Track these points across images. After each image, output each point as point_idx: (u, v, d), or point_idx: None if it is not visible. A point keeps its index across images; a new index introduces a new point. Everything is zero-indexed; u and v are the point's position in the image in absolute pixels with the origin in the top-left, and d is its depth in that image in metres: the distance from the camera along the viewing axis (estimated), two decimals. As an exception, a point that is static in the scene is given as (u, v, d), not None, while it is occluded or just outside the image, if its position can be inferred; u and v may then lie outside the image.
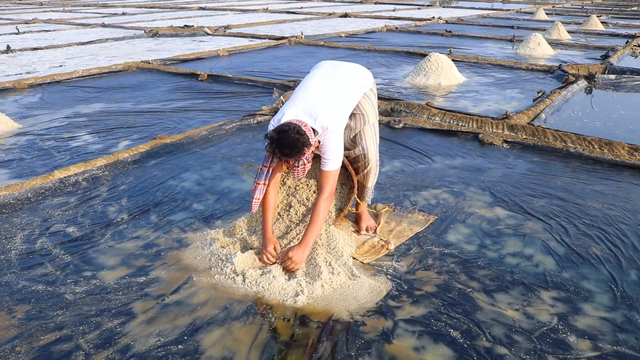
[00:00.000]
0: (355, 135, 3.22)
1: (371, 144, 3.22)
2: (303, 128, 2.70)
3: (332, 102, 2.92)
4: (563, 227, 3.50)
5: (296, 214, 3.28)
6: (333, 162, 2.90)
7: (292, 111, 2.82)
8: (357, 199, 3.34)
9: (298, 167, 2.85)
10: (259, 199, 2.97)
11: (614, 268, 3.04)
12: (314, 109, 2.82)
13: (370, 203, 3.52)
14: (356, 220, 3.46)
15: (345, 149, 3.24)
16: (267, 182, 2.96)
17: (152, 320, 2.55)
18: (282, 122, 2.76)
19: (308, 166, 2.88)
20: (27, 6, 25.40)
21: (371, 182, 3.34)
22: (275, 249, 2.97)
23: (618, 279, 2.92)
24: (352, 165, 3.27)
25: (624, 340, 2.44)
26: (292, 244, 3.09)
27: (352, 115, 3.18)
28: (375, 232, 3.39)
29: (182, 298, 2.72)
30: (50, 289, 2.78)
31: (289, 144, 2.67)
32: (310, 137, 2.72)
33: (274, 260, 2.94)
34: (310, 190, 3.32)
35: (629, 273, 2.99)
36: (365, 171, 3.26)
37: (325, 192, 2.92)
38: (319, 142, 2.88)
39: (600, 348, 2.39)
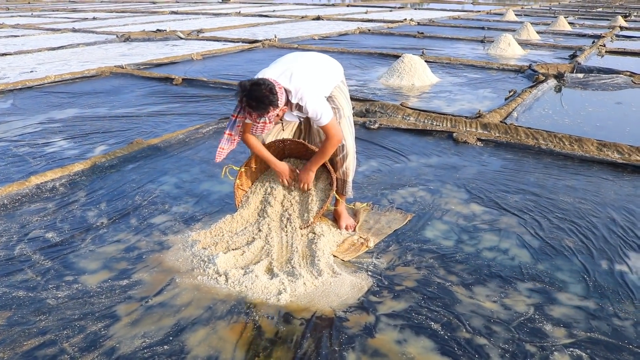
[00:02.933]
0: None
1: (348, 135, 3.29)
2: (276, 88, 2.81)
3: (309, 70, 3.07)
4: (537, 221, 3.61)
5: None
6: (324, 116, 2.98)
7: (270, 72, 2.97)
8: (337, 196, 3.39)
9: (258, 123, 2.90)
10: (222, 149, 3.09)
11: (586, 259, 3.14)
12: (291, 72, 2.96)
13: (351, 197, 3.58)
14: (335, 218, 3.51)
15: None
16: (232, 133, 3.06)
17: (136, 322, 2.55)
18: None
19: (269, 126, 2.93)
20: (-7, 11, 24.90)
21: (351, 176, 3.40)
22: (289, 172, 3.31)
23: (590, 269, 3.03)
24: (331, 161, 3.32)
25: (597, 326, 2.54)
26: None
27: None
28: (354, 230, 3.44)
29: (166, 299, 2.73)
30: (31, 295, 2.76)
31: (257, 97, 2.76)
32: (279, 99, 2.82)
33: (291, 180, 3.33)
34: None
35: (600, 263, 3.10)
36: (344, 165, 3.32)
37: (332, 139, 3.06)
38: (293, 104, 2.98)
39: (575, 335, 2.48)
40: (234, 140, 3.13)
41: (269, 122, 2.90)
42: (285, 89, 2.90)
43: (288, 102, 2.97)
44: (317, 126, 3.23)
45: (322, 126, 3.03)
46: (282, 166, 3.31)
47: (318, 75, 3.13)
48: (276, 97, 2.79)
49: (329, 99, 3.24)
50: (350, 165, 3.34)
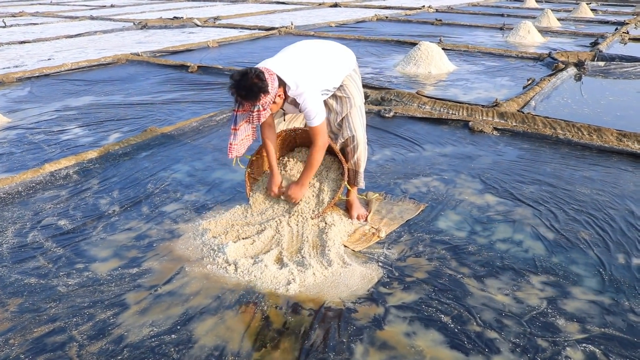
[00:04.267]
0: (342, 119, 3.25)
1: (359, 125, 3.26)
2: (266, 74, 2.75)
3: (310, 63, 3.01)
4: (552, 212, 3.54)
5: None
6: (316, 117, 2.95)
7: (271, 62, 2.93)
8: (348, 186, 3.35)
9: (253, 112, 2.85)
10: (231, 144, 3.04)
11: (603, 252, 3.07)
12: (291, 65, 2.91)
13: (363, 188, 3.54)
14: (347, 208, 3.48)
15: (333, 134, 3.28)
16: (237, 127, 3.01)
17: (145, 310, 2.56)
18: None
19: (264, 113, 2.85)
20: (13, -1, 25.12)
21: (362, 167, 3.37)
22: (280, 185, 3.29)
23: (606, 263, 2.96)
24: (342, 151, 3.28)
25: (612, 322, 2.48)
26: None
27: (338, 99, 3.23)
28: (366, 220, 3.41)
29: (175, 288, 2.73)
30: (42, 282, 2.78)
31: (245, 86, 2.71)
32: (270, 84, 2.76)
33: (277, 193, 3.29)
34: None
35: (617, 257, 3.03)
36: (355, 156, 3.29)
37: (318, 143, 3.04)
38: (285, 97, 2.93)
39: (589, 330, 2.42)
40: (247, 135, 3.08)
41: (264, 110, 2.83)
42: (280, 78, 2.84)
43: (285, 94, 2.92)
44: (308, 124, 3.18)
45: (311, 127, 2.99)
46: (276, 179, 3.28)
47: (324, 68, 3.07)
48: (265, 84, 2.73)
49: (340, 87, 3.19)
50: (361, 155, 3.30)
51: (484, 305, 2.60)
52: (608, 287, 2.75)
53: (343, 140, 3.27)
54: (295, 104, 3.02)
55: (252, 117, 2.87)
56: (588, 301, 2.64)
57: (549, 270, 2.89)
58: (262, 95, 2.75)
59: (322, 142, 3.05)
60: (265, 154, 3.45)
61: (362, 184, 3.44)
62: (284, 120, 3.45)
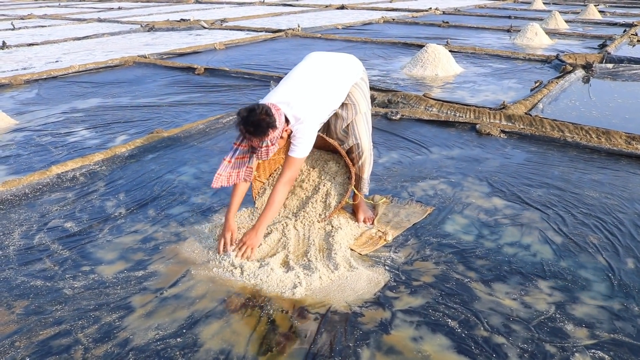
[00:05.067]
0: (347, 126, 3.24)
1: (364, 133, 3.24)
2: (273, 110, 2.75)
3: (312, 94, 2.97)
4: (560, 216, 3.51)
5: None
6: (300, 150, 2.92)
7: (271, 98, 2.91)
8: (355, 190, 3.34)
9: (261, 147, 2.83)
10: (220, 175, 2.96)
11: (611, 257, 3.04)
12: (292, 99, 2.89)
13: (367, 194, 3.53)
14: (354, 211, 3.46)
15: (339, 140, 3.26)
16: (231, 160, 2.95)
17: (150, 313, 2.55)
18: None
19: (272, 149, 2.84)
20: (22, 2, 25.29)
21: (367, 173, 3.35)
22: (232, 236, 3.03)
23: (615, 268, 2.93)
24: (348, 156, 3.27)
25: (621, 328, 2.45)
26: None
27: (344, 105, 3.21)
28: (372, 223, 3.39)
29: (181, 291, 2.72)
30: (48, 284, 2.78)
31: (254, 122, 2.70)
32: (277, 119, 2.76)
33: (227, 248, 2.99)
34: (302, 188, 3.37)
35: (626, 261, 3.00)
36: (360, 162, 3.28)
37: (285, 177, 2.96)
38: (291, 131, 2.91)
39: (598, 336, 2.40)
40: (238, 172, 3.00)
41: (272, 145, 2.82)
42: (284, 115, 2.84)
43: (289, 129, 2.92)
44: (341, 127, 3.19)
45: (289, 156, 2.95)
46: (226, 228, 3.05)
47: (329, 91, 3.05)
48: (273, 119, 2.73)
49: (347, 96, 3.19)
50: (365, 162, 3.30)
51: (492, 309, 2.58)
52: (617, 292, 2.72)
53: (348, 147, 3.26)
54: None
55: (261, 153, 2.86)
56: (597, 306, 2.61)
57: (557, 275, 2.86)
58: (271, 131, 2.75)
59: (289, 176, 2.98)
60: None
61: (365, 190, 3.42)
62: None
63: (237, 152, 2.96)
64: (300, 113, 2.88)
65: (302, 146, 2.92)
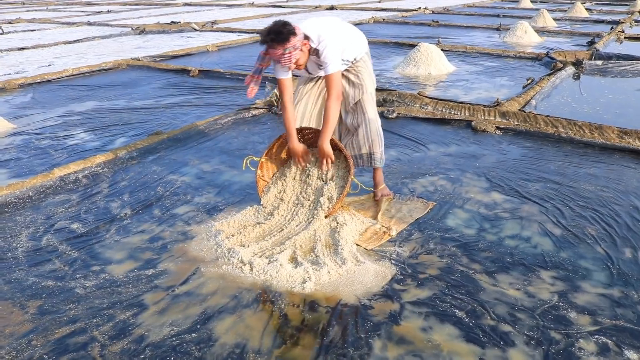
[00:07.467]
0: (355, 104, 3.51)
1: (371, 108, 3.53)
2: (293, 24, 3.07)
3: (331, 30, 3.27)
4: (558, 209, 3.59)
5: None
6: (332, 65, 3.19)
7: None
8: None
9: (285, 55, 3.07)
10: (253, 88, 3.33)
11: (609, 247, 3.13)
12: (311, 24, 3.24)
13: (382, 166, 3.70)
14: (375, 185, 3.74)
15: (346, 112, 3.57)
16: (259, 76, 3.32)
17: (164, 310, 2.60)
18: None
19: (295, 54, 3.09)
20: (8, 6, 25.15)
21: (378, 147, 3.57)
22: (305, 152, 3.45)
23: (614, 257, 3.01)
24: (358, 136, 3.52)
25: (622, 314, 2.53)
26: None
27: (352, 84, 3.48)
28: (389, 201, 3.62)
29: (192, 289, 2.77)
30: (60, 284, 2.81)
31: (275, 30, 3.02)
32: (297, 29, 3.06)
33: (304, 164, 3.47)
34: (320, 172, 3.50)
35: (624, 251, 3.08)
36: (370, 138, 3.52)
37: (333, 94, 3.25)
38: (310, 47, 3.19)
39: (600, 322, 2.47)
40: (254, 77, 3.32)
41: (295, 50, 3.06)
42: (304, 34, 3.14)
43: (309, 47, 3.19)
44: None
45: (327, 75, 3.22)
46: (297, 147, 3.42)
47: (343, 36, 3.33)
48: (292, 27, 3.03)
49: (355, 70, 3.46)
50: (375, 136, 3.54)
51: (497, 299, 2.65)
52: (617, 281, 2.80)
53: (357, 123, 3.52)
54: (317, 63, 3.27)
55: (284, 58, 3.09)
56: (598, 294, 2.69)
57: (558, 265, 2.94)
58: (292, 37, 3.02)
59: (336, 92, 3.24)
60: (273, 154, 3.56)
61: (380, 163, 3.63)
62: (304, 92, 3.62)
63: (261, 70, 3.31)
64: (321, 31, 3.18)
65: (332, 62, 3.19)
